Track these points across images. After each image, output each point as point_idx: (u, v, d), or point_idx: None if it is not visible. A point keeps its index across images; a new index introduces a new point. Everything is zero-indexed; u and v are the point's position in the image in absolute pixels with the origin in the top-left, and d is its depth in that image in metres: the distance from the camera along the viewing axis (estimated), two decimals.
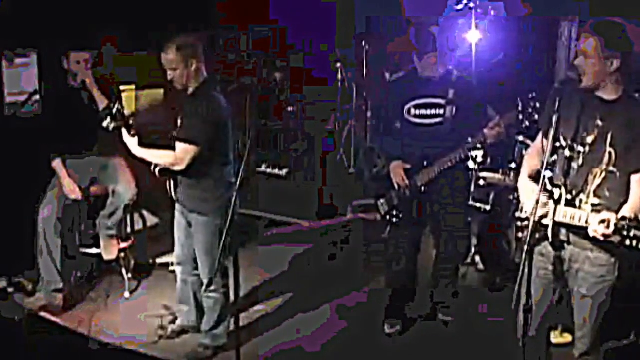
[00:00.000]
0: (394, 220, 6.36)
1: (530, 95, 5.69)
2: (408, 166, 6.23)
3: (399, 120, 6.28)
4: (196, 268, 6.16)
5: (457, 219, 6.47)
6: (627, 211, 4.22)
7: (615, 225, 4.09)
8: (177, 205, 6.15)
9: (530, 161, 4.86)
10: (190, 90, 5.88)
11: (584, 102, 4.45)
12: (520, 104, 5.73)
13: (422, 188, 6.20)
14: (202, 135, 5.73)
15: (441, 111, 6.17)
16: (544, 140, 4.80)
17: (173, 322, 6.50)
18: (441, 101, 6.16)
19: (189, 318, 6.42)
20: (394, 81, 6.49)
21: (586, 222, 4.28)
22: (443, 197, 6.26)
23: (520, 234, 4.74)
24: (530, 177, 4.78)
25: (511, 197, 6.32)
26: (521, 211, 4.76)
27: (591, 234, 4.21)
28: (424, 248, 6.62)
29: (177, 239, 6.25)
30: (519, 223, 4.77)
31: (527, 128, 5.39)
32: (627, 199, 4.33)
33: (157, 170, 5.92)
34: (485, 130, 5.93)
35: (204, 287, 6.10)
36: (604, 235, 4.14)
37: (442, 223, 6.42)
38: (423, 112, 6.21)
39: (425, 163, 6.16)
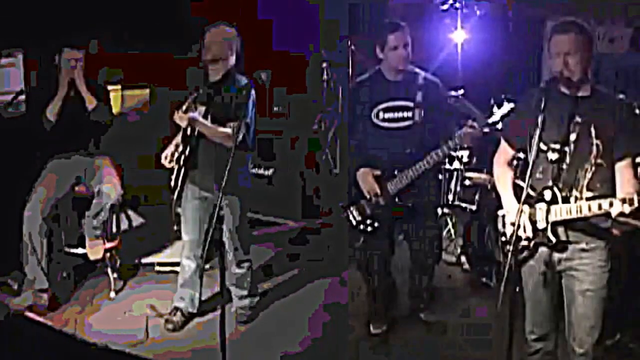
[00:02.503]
0: (369, 229, 6.27)
1: (502, 96, 5.73)
2: (378, 172, 6.14)
3: (364, 124, 6.21)
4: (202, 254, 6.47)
5: (429, 222, 6.45)
6: (629, 191, 4.30)
7: None
8: (197, 193, 6.36)
9: (507, 173, 4.89)
10: (218, 77, 6.26)
11: (560, 103, 4.49)
12: (494, 105, 5.76)
13: (396, 197, 6.15)
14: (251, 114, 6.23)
15: (409, 114, 6.12)
16: (508, 147, 4.86)
17: (175, 314, 6.55)
18: (409, 104, 6.11)
19: (194, 304, 6.63)
20: (358, 83, 6.34)
21: (589, 209, 4.34)
22: (416, 202, 6.22)
23: (508, 247, 4.72)
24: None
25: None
26: (504, 226, 4.79)
27: (614, 214, 4.23)
28: (398, 250, 6.63)
29: (196, 225, 6.43)
30: (503, 238, 4.81)
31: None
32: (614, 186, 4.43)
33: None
34: (462, 130, 5.94)
35: (236, 262, 6.52)
36: (626, 212, 4.19)
37: (414, 227, 6.38)
38: (391, 115, 6.15)
39: (395, 170, 6.12)
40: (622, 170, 4.44)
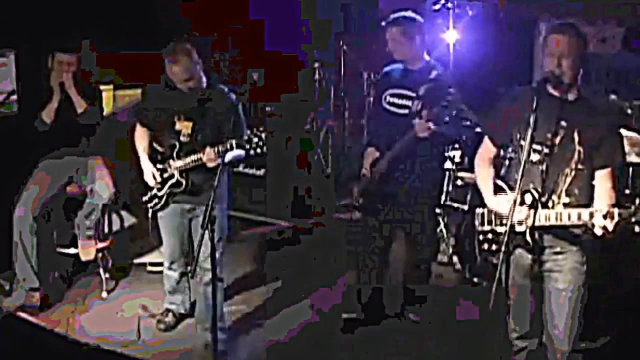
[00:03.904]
0: (355, 204, 6.45)
1: (450, 91, 5.78)
2: (377, 154, 6.31)
3: (376, 106, 6.47)
4: (188, 262, 6.31)
5: (417, 213, 6.41)
6: (608, 204, 4.32)
7: (620, 214, 4.16)
8: (178, 204, 6.12)
9: (484, 172, 4.90)
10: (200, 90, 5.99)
11: (547, 105, 4.48)
12: (446, 100, 5.81)
13: (377, 177, 6.29)
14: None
15: (409, 103, 6.21)
16: (491, 145, 4.86)
17: (167, 315, 6.54)
18: (412, 94, 6.20)
19: (185, 306, 6.59)
20: (385, 73, 6.52)
21: (569, 218, 4.35)
22: (400, 190, 6.28)
23: (485, 246, 4.75)
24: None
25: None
26: (483, 224, 4.79)
27: (598, 232, 4.24)
28: (395, 246, 6.60)
29: (175, 238, 6.26)
30: (481, 237, 4.80)
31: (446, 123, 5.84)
32: (593, 195, 4.47)
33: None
34: (416, 121, 6.00)
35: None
36: (610, 228, 4.19)
37: (401, 217, 6.41)
38: (395, 100, 6.29)
39: (384, 154, 6.25)
40: (602, 179, 4.48)
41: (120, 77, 8.28)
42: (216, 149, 5.65)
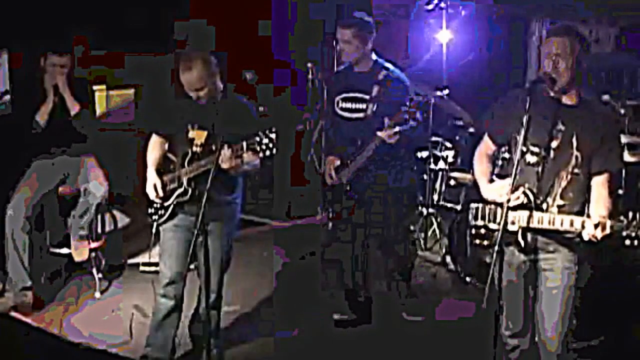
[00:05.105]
0: (330, 215, 6.50)
1: (411, 96, 5.80)
2: (337, 162, 6.34)
3: (331, 113, 6.51)
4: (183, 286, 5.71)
5: (387, 218, 6.41)
6: (602, 212, 4.35)
7: (612, 227, 4.21)
8: (185, 216, 5.62)
9: (482, 167, 4.91)
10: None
11: (546, 107, 4.50)
12: (406, 104, 5.83)
13: (348, 186, 6.31)
14: None
15: (363, 106, 6.23)
16: (490, 142, 4.86)
17: None
18: (365, 96, 6.22)
19: (167, 350, 5.80)
20: (335, 73, 6.67)
21: (561, 224, 4.39)
22: (367, 195, 6.30)
23: (477, 241, 4.75)
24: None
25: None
26: (476, 219, 4.78)
27: (586, 237, 4.30)
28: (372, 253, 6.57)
29: (177, 255, 5.63)
30: (473, 231, 4.79)
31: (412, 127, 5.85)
32: (587, 199, 4.50)
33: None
34: (380, 133, 5.98)
35: (212, 298, 5.50)
36: (598, 237, 4.25)
37: (371, 223, 6.39)
38: (348, 105, 6.32)
39: (348, 160, 6.25)
40: (598, 185, 4.50)
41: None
42: (230, 150, 5.16)
